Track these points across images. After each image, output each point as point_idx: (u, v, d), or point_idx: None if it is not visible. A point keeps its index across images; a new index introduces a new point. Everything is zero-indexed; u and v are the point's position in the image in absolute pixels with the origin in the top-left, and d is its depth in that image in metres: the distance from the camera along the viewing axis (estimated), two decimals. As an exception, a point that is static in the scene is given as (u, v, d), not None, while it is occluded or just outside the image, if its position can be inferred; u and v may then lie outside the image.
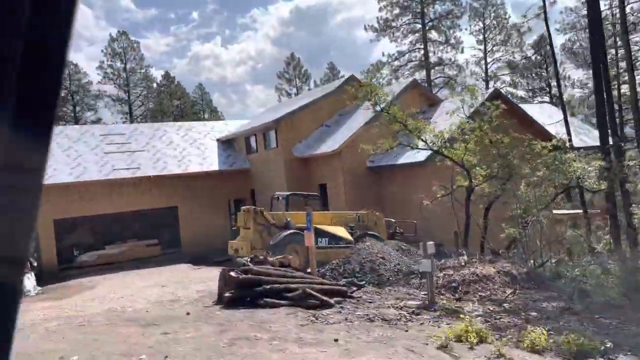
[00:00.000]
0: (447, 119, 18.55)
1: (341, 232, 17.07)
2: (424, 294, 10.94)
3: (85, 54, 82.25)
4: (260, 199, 23.84)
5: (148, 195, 23.56)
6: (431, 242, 9.91)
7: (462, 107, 17.05)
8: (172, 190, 24.01)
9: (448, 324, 8.03)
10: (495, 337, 6.98)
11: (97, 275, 19.21)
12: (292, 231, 16.18)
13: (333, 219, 17.68)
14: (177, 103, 54.64)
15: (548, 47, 45.14)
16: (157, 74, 65.16)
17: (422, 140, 15.06)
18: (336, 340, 6.73)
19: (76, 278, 19.41)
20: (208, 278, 15.72)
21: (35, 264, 19.63)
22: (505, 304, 9.74)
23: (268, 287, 9.53)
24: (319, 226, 16.52)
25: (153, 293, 12.51)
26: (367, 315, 8.63)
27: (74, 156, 23.66)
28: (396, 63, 43.46)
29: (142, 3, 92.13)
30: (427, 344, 6.61)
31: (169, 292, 12.42)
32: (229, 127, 29.70)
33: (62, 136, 24.91)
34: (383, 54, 50.02)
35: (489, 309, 9.41)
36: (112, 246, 23.26)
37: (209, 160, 25.87)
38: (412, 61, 43.90)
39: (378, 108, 15.35)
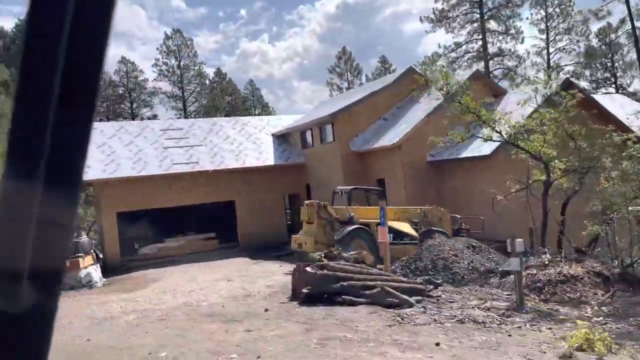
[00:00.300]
0: (514, 109, 17.61)
1: (405, 228, 16.50)
2: (508, 294, 10.28)
3: (139, 53, 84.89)
4: (315, 193, 23.52)
5: (206, 190, 23.70)
6: (520, 240, 9.23)
7: (535, 97, 16.11)
8: (230, 184, 24.07)
9: (549, 328, 7.38)
10: (616, 345, 6.28)
11: (158, 268, 19.42)
12: (356, 226, 15.75)
13: (396, 215, 17.09)
14: (229, 99, 55.24)
15: (613, 37, 42.80)
16: (208, 71, 66.38)
17: (497, 131, 14.24)
18: (437, 344, 6.24)
19: (138, 270, 19.71)
20: (271, 272, 15.57)
21: (100, 256, 20.10)
22: (603, 308, 8.94)
23: (345, 284, 9.13)
24: (383, 221, 16.03)
25: (222, 287, 12.38)
26: (455, 316, 8.08)
27: (135, 151, 24.09)
28: (453, 55, 42.13)
29: (192, 2, 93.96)
30: (544, 352, 6.01)
31: (238, 287, 12.25)
32: (283, 122, 29.57)
33: (123, 131, 25.44)
34: (439, 46, 48.33)
35: (586, 313, 8.65)
36: (172, 239, 23.57)
37: (265, 155, 25.80)
38: (469, 52, 42.35)
39: (449, 97, 14.63)
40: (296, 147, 26.66)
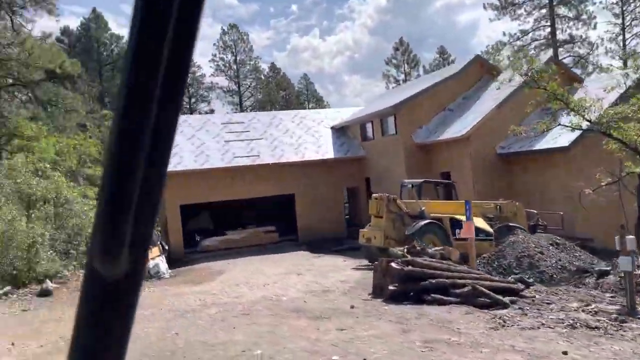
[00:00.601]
0: (598, 97, 16.37)
1: (480, 223, 15.62)
2: (610, 297, 9.37)
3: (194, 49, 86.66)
4: (376, 187, 22.89)
5: (266, 183, 23.56)
6: (631, 237, 8.33)
7: (625, 83, 14.89)
8: (289, 178, 23.84)
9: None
10: None
11: (220, 260, 19.40)
12: (428, 221, 15.03)
13: (469, 209, 16.22)
14: (283, 94, 55.32)
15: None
16: (263, 66, 66.84)
17: (587, 120, 13.13)
18: (565, 352, 5.57)
19: (200, 262, 19.78)
20: (338, 267, 15.14)
21: (166, 247, 20.33)
22: None
23: (434, 281, 8.52)
24: (456, 216, 15.25)
25: (296, 281, 12.03)
26: (562, 319, 7.33)
27: (197, 144, 24.28)
28: (518, 43, 40.07)
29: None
30: None
31: (311, 281, 11.87)
32: (341, 115, 29.07)
33: (186, 125, 25.71)
34: (503, 34, 45.90)
35: None
36: (233, 232, 23.63)
37: (324, 148, 25.39)
38: (536, 40, 40.16)
39: (533, 83, 13.64)
40: (355, 140, 26.10)
